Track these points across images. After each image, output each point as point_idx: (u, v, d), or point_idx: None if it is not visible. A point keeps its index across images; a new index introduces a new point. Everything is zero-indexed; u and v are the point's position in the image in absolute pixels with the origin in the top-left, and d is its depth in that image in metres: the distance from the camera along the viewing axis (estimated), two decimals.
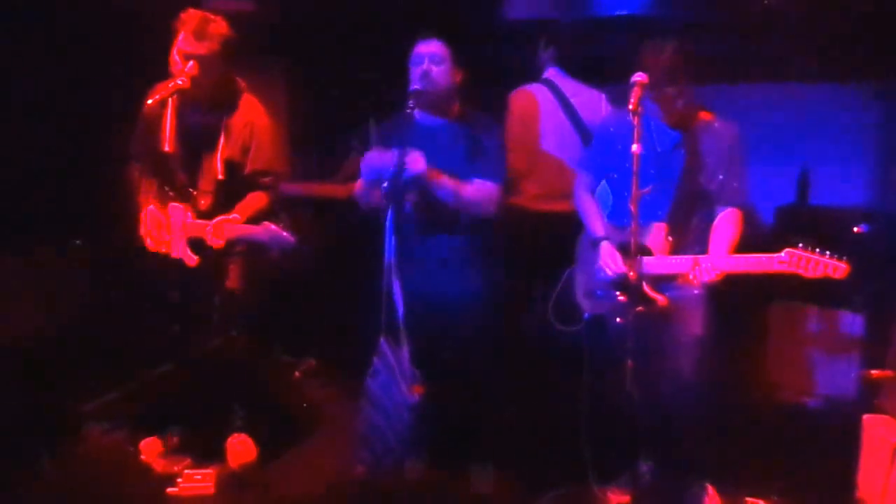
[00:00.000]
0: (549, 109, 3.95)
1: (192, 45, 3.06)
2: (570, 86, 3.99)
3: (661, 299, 2.91)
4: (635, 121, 2.63)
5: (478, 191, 3.14)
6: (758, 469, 3.41)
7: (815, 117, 4.55)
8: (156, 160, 3.24)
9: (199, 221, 3.20)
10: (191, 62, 3.06)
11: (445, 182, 3.07)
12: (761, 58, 4.42)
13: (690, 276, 2.84)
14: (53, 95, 3.82)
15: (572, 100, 3.95)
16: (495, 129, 3.31)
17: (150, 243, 3.23)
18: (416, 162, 2.98)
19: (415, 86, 3.06)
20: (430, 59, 3.11)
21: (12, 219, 3.71)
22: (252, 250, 3.25)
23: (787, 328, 4.25)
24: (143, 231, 3.25)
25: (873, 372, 3.32)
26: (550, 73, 4.03)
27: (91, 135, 3.71)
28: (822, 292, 3.91)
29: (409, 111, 3.00)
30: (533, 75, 4.10)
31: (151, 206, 3.25)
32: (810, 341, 4.19)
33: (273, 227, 3.12)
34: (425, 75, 3.09)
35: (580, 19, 4.65)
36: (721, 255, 2.84)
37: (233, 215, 3.18)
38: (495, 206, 3.18)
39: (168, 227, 3.22)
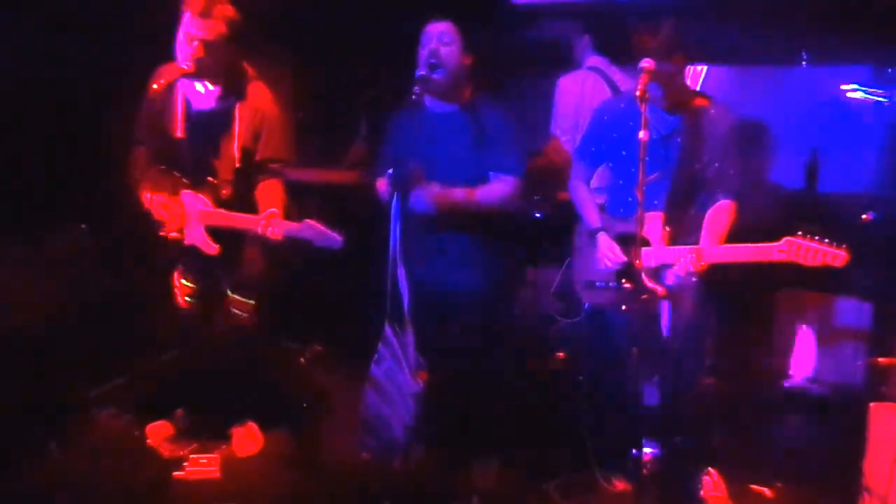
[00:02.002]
0: (599, 96, 3.90)
1: (197, 27, 3.02)
2: (617, 73, 3.94)
3: (659, 290, 2.90)
4: (643, 107, 2.60)
5: (498, 190, 3.13)
6: (763, 456, 3.41)
7: (822, 103, 4.51)
8: (165, 146, 3.22)
9: (219, 210, 3.18)
10: (196, 44, 3.02)
11: (460, 198, 3.07)
12: (766, 42, 4.38)
13: (677, 268, 2.83)
14: (61, 81, 3.81)
15: (621, 87, 3.90)
16: (508, 115, 3.25)
17: (161, 230, 3.21)
18: (423, 201, 3.00)
19: (421, 71, 3.03)
20: (439, 40, 3.07)
21: (20, 205, 3.71)
22: (289, 246, 3.13)
23: (795, 315, 4.23)
24: (155, 216, 3.21)
25: (881, 359, 3.31)
26: (594, 60, 3.98)
27: (98, 119, 3.70)
28: (829, 279, 3.89)
29: (415, 97, 2.97)
30: (567, 62, 4.05)
31: (156, 195, 3.21)
32: (817, 328, 4.17)
33: (315, 224, 3.01)
34: (433, 54, 3.05)
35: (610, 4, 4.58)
36: (721, 245, 2.82)
37: (271, 209, 3.11)
38: (518, 200, 3.17)
39: (181, 214, 3.20)
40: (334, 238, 3.00)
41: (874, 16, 3.95)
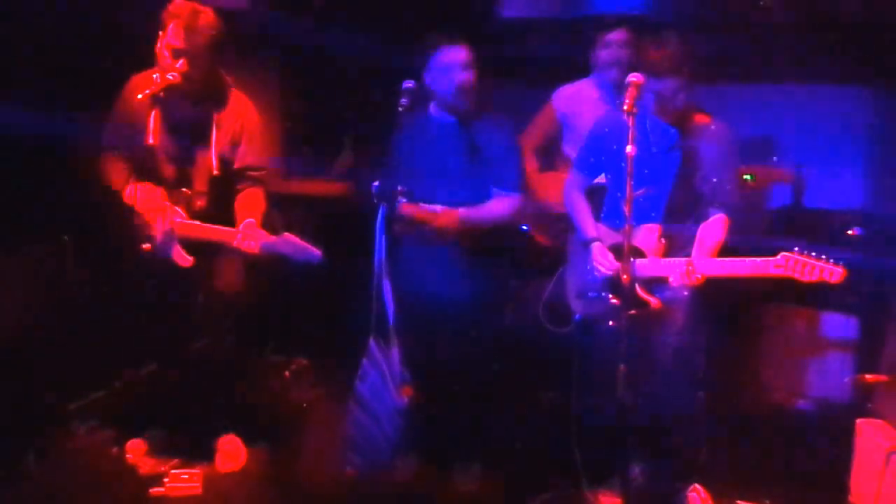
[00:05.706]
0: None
1: (181, 37, 2.99)
2: None
3: (653, 301, 2.90)
4: (630, 122, 2.61)
5: (502, 207, 3.19)
6: (750, 471, 3.40)
7: (810, 119, 4.53)
8: (139, 154, 3.16)
9: (194, 222, 3.12)
10: (180, 56, 2.99)
11: (469, 222, 3.12)
12: (755, 59, 4.41)
13: (671, 280, 2.83)
14: (39, 90, 3.77)
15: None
16: (509, 130, 3.29)
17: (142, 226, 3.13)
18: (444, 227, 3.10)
19: (408, 84, 3.02)
20: (464, 66, 3.09)
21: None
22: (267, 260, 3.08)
23: (781, 330, 4.23)
24: (137, 209, 3.13)
25: (867, 376, 3.32)
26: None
27: (78, 128, 3.65)
28: (815, 294, 3.90)
29: (401, 109, 2.97)
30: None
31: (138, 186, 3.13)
32: (803, 343, 4.17)
33: (294, 238, 2.97)
34: (467, 85, 3.09)
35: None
36: (718, 259, 2.82)
37: (248, 220, 3.07)
38: (519, 215, 3.27)
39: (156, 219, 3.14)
40: (313, 253, 2.97)
41: (866, 33, 3.99)
